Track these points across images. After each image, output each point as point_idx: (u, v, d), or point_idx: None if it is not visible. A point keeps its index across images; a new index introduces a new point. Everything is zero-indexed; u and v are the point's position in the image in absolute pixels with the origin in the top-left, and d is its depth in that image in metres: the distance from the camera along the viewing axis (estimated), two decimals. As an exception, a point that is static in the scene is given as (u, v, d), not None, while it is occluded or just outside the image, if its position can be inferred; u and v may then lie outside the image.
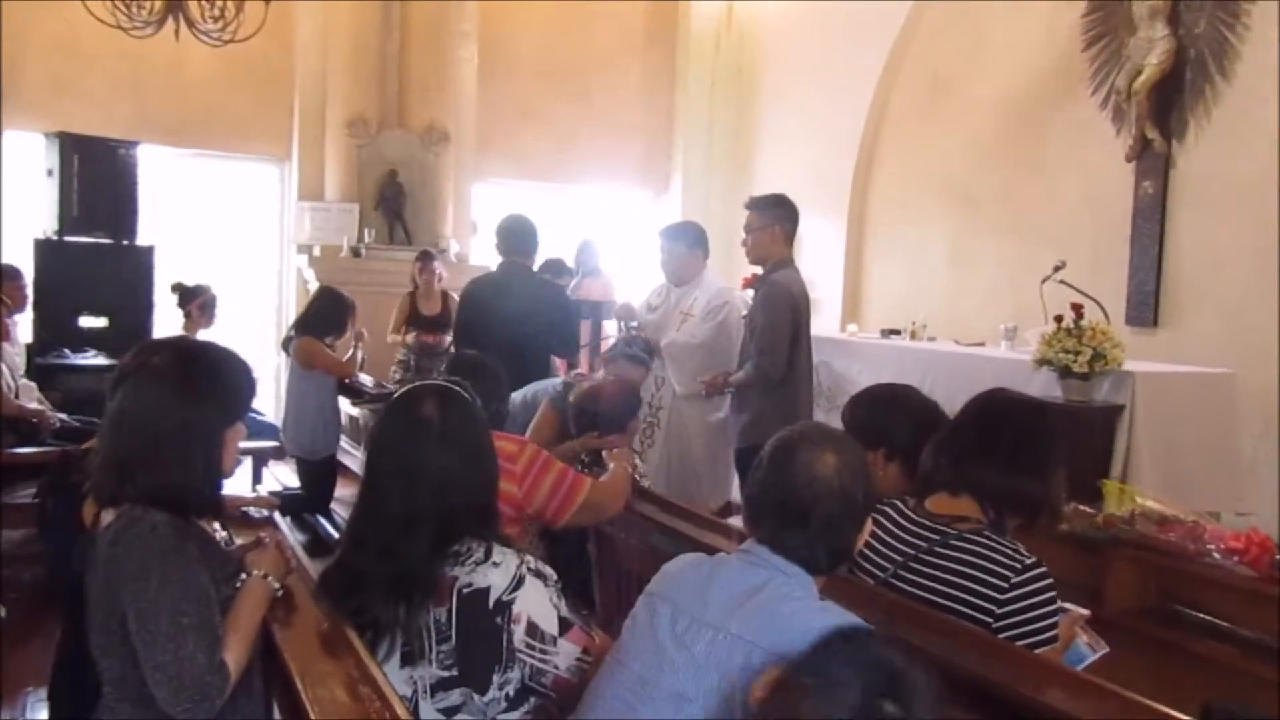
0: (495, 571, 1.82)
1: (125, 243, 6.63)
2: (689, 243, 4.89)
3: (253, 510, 2.47)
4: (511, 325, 4.46)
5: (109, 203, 6.55)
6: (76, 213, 6.37)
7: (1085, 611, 2.19)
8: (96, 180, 6.46)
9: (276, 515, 2.57)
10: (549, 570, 1.88)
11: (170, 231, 7.92)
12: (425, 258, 6.91)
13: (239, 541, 2.02)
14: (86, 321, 6.33)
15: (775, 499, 1.76)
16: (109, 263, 6.53)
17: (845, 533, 1.77)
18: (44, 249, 6.34)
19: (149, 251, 6.77)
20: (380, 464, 1.89)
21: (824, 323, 6.88)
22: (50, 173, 6.42)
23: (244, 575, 1.84)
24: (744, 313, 4.76)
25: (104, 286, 6.41)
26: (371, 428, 1.90)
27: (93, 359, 6.19)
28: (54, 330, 6.08)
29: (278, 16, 6.35)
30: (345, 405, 6.18)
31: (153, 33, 5.52)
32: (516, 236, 4.90)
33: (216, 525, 1.87)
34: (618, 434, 3.36)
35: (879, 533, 2.25)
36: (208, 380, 1.80)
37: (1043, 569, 2.04)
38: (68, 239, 6.40)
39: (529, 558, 1.87)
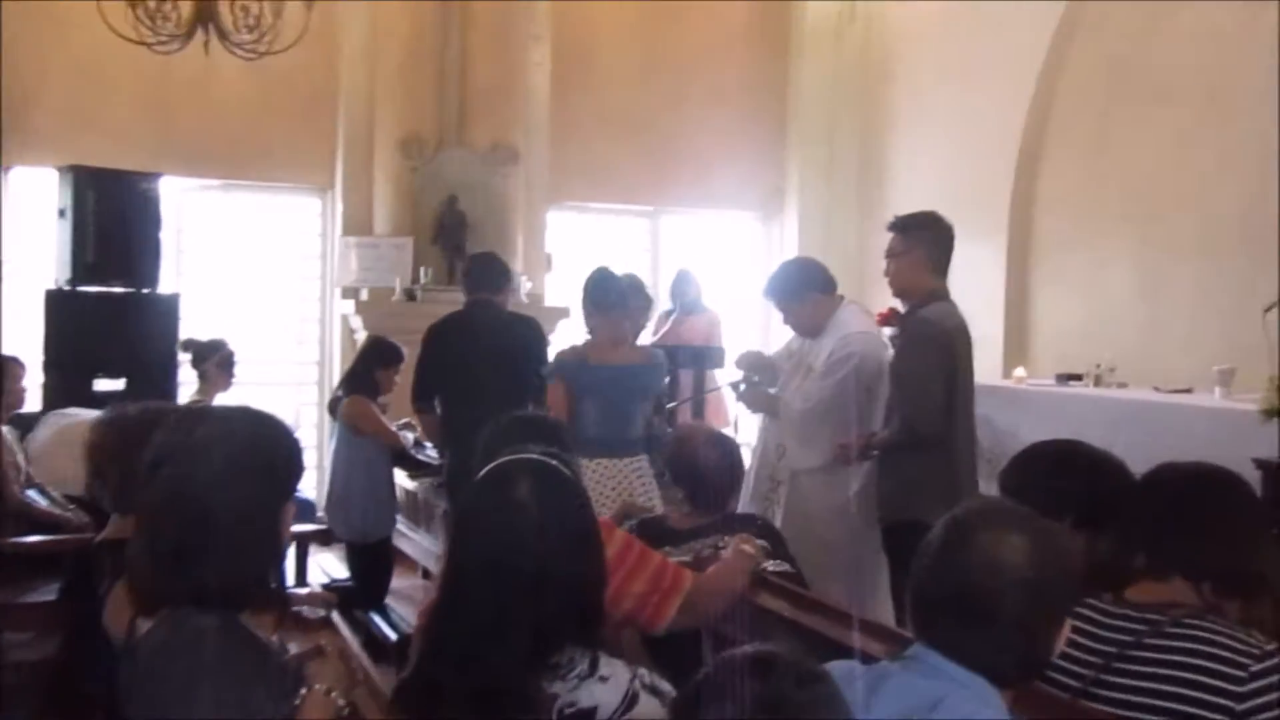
0: (603, 688, 1.82)
1: (146, 291, 6.88)
2: (795, 290, 4.87)
3: (306, 610, 2.51)
4: (484, 365, 5.01)
5: (128, 245, 6.80)
6: (92, 258, 6.63)
7: None
8: (114, 219, 6.72)
9: (335, 615, 2.60)
10: (666, 686, 1.88)
11: (196, 276, 8.21)
12: None
13: (293, 648, 2.05)
14: (102, 384, 6.55)
15: (949, 593, 1.76)
16: (128, 315, 6.77)
17: (1039, 634, 1.77)
18: (55, 301, 6.60)
19: (173, 301, 7.00)
20: (465, 555, 1.90)
21: (983, 368, 6.73)
22: (63, 213, 6.70)
23: (303, 690, 1.86)
24: (886, 356, 4.71)
25: (122, 343, 6.64)
26: (454, 511, 1.92)
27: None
28: (65, 395, 6.30)
29: (319, 23, 6.55)
30: (401, 478, 6.28)
31: (179, 48, 5.75)
32: (484, 273, 5.60)
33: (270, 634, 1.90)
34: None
35: (1071, 635, 2.20)
36: (259, 452, 1.86)
37: (1286, 656, 2.04)
38: (81, 289, 6.67)
39: (642, 671, 1.87)
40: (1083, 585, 2.26)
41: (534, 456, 2.00)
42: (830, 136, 9.45)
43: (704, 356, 5.86)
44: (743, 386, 5.10)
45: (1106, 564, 2.34)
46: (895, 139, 9.01)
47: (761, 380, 5.07)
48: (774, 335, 8.94)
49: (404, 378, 5.91)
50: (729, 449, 3.77)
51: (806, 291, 4.87)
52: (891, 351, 4.71)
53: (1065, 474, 2.53)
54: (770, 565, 3.28)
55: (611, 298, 4.86)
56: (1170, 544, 2.22)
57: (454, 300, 7.74)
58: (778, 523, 4.73)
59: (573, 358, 4.85)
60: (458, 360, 5.22)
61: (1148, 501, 2.31)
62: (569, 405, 4.77)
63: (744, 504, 4.83)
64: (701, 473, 3.62)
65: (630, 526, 3.53)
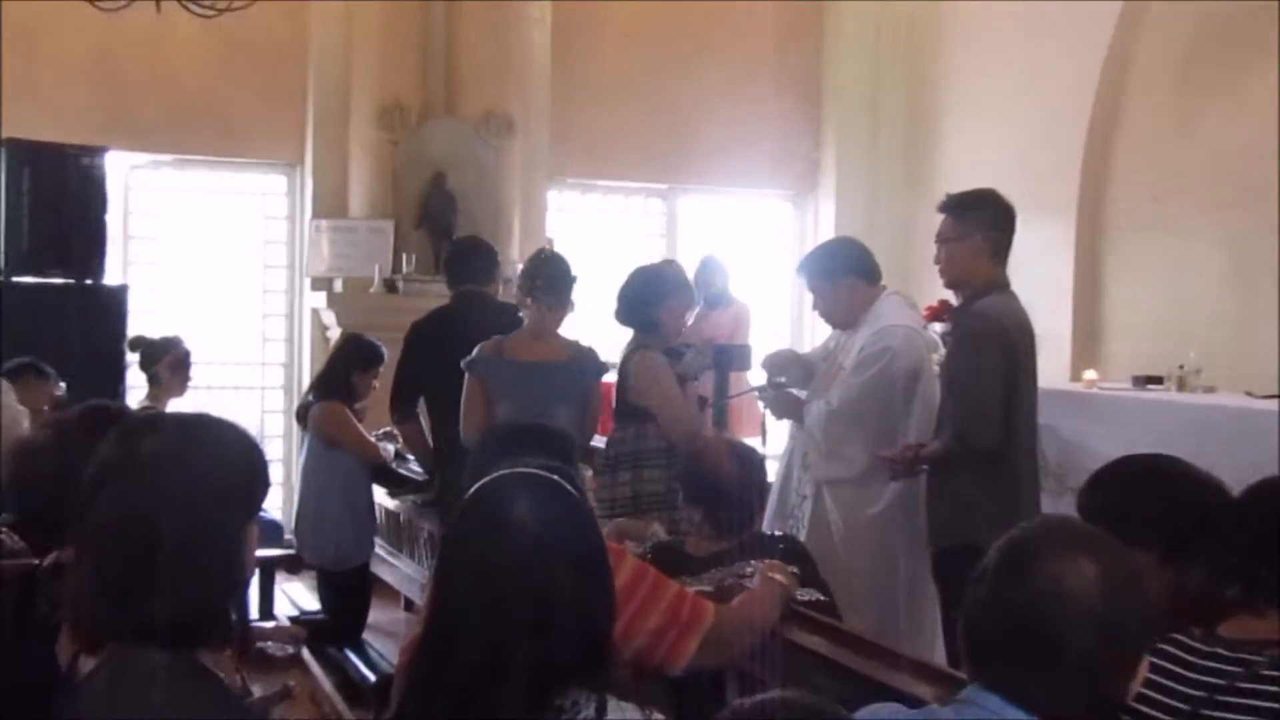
0: (611, 736, 1.83)
1: (89, 282, 6.91)
2: (831, 270, 4.89)
3: (272, 646, 2.52)
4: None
5: (69, 230, 6.82)
6: (27, 245, 6.66)
7: None
8: (53, 200, 6.75)
9: (305, 652, 2.62)
10: (685, 734, 1.88)
11: (147, 265, 8.24)
12: None
13: (258, 691, 2.06)
14: (39, 389, 6.58)
15: (1007, 626, 1.76)
16: (68, 310, 6.79)
17: (1111, 675, 1.77)
18: (-14, 295, 6.64)
19: (120, 293, 7.03)
20: (453, 584, 1.91)
21: (1048, 369, 6.74)
22: (-7, 194, 6.74)
23: (268, 738, 1.87)
24: (936, 356, 4.72)
25: (61, 342, 6.64)
26: (442, 533, 1.92)
27: (48, 439, 6.43)
28: (-3, 401, 6.34)
29: (287, -25, 6.58)
30: (381, 496, 6.30)
31: (126, 4, 5.78)
32: (470, 262, 5.71)
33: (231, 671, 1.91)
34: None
35: (1154, 676, 2.21)
36: (218, 466, 1.86)
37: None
38: (15, 280, 6.69)
39: (658, 716, 1.88)
40: (1168, 619, 2.27)
41: (533, 470, 2.00)
42: (873, 103, 9.45)
43: (727, 355, 5.85)
44: (770, 391, 5.12)
45: (1196, 595, 2.33)
46: (947, 106, 9.01)
47: (790, 382, 5.08)
48: (808, 331, 8.96)
49: (384, 381, 5.93)
50: (751, 462, 3.80)
51: (845, 275, 4.87)
52: (941, 350, 4.72)
53: (1157, 495, 2.51)
54: (802, 594, 3.29)
55: (537, 282, 4.88)
56: (1268, 572, 2.21)
57: (441, 293, 7.70)
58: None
59: (488, 352, 4.87)
60: (445, 362, 5.24)
61: (1242, 523, 2.31)
62: (485, 407, 4.80)
63: (766, 523, 4.86)
64: (721, 490, 3.63)
65: (644, 552, 3.54)
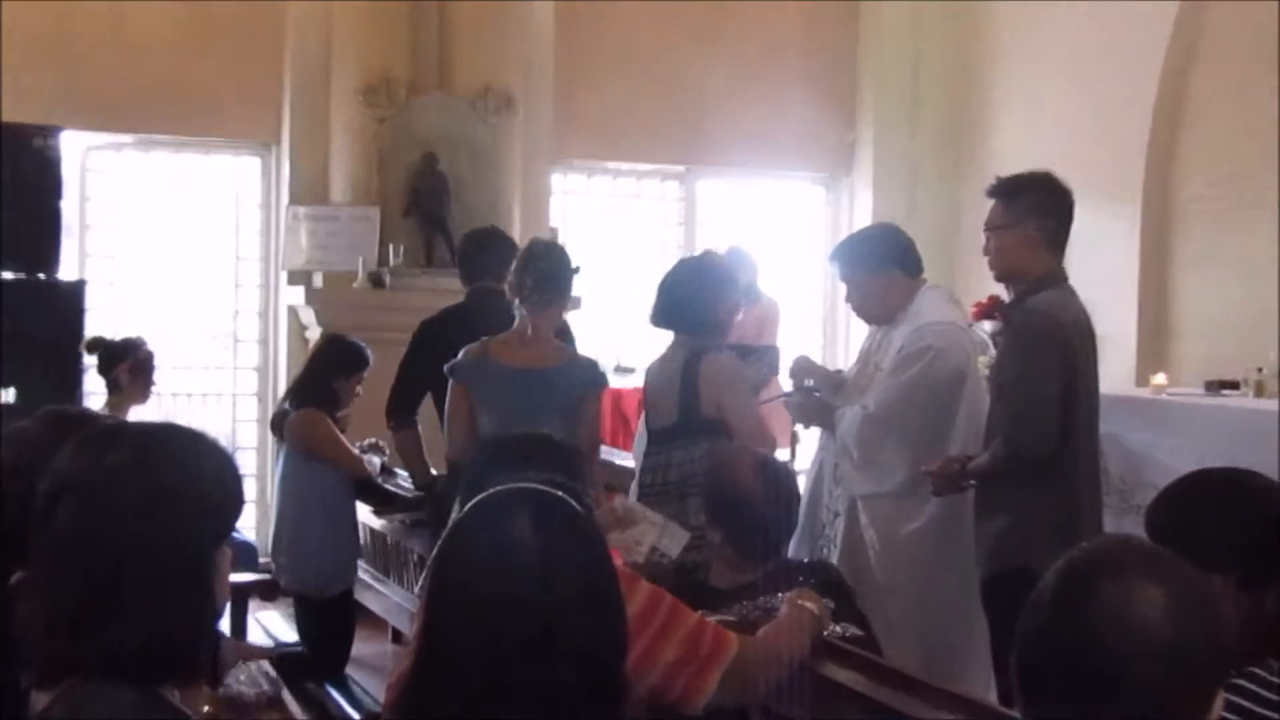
0: (625, 783, 1.83)
1: (42, 278, 6.92)
2: (868, 261, 4.91)
3: (245, 681, 2.52)
4: None
5: (19, 219, 6.81)
6: (-28, 236, 6.69)
7: None
8: (2, 186, 6.77)
9: (285, 692, 2.62)
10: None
11: (106, 258, 8.26)
12: None
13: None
14: (-12, 397, 6.61)
15: (1065, 658, 1.75)
16: (19, 308, 6.79)
17: (1181, 712, 1.75)
18: (-73, 293, 6.66)
19: (77, 289, 7.04)
20: (446, 610, 1.91)
21: (1111, 373, 6.73)
22: (-63, 179, 6.76)
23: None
24: (984, 359, 4.71)
25: (11, 343, 6.66)
26: (434, 554, 1.92)
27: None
28: (-59, 410, 6.37)
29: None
30: (365, 515, 6.31)
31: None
32: (485, 255, 5.70)
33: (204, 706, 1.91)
34: None
35: (1230, 715, 2.21)
36: (186, 481, 1.86)
37: None
38: (-40, 276, 6.72)
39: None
40: (1244, 650, 2.27)
41: (535, 486, 2.01)
42: (914, 76, 9.45)
43: (757, 359, 5.85)
44: (798, 396, 5.11)
45: (1275, 623, 2.34)
46: (997, 79, 8.99)
47: (818, 387, 5.07)
48: (842, 330, 8.95)
49: (368, 388, 5.93)
50: (780, 477, 3.81)
51: (882, 265, 4.88)
52: (991, 352, 4.71)
53: (1233, 513, 2.50)
54: (837, 629, 3.29)
55: (527, 279, 4.83)
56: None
57: (432, 288, 7.77)
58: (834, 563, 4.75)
59: (473, 355, 4.86)
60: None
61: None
62: (469, 417, 4.82)
63: (794, 544, 4.85)
64: (746, 510, 3.63)
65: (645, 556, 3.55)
